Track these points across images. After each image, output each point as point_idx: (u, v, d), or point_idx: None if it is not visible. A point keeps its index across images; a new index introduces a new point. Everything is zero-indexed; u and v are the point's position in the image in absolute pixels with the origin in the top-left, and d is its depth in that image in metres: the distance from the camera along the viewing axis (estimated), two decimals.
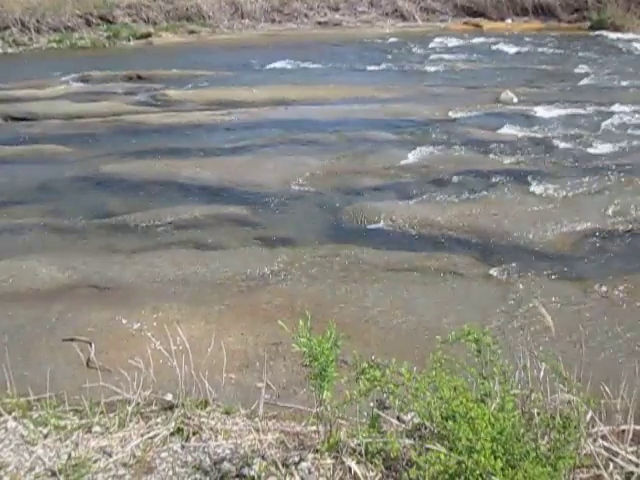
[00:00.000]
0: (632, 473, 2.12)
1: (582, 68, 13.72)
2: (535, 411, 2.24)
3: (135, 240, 5.78)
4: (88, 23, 20.00)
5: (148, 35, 19.59)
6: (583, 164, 7.59)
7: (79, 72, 13.88)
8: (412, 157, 7.96)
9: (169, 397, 2.90)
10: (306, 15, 22.69)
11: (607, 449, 2.20)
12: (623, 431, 2.27)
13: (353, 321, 4.24)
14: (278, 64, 15.42)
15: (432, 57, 15.84)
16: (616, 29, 19.05)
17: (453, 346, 2.34)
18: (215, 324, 4.21)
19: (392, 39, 18.99)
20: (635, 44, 16.84)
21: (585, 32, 19.61)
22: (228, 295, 4.66)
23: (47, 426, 2.65)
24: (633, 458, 2.16)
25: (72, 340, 3.98)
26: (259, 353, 3.85)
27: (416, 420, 2.20)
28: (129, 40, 19.23)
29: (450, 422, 2.01)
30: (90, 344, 3.94)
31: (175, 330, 3.39)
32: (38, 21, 19.35)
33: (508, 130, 9.14)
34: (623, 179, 6.99)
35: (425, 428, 2.15)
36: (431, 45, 17.79)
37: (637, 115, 9.69)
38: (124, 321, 4.23)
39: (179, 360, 2.80)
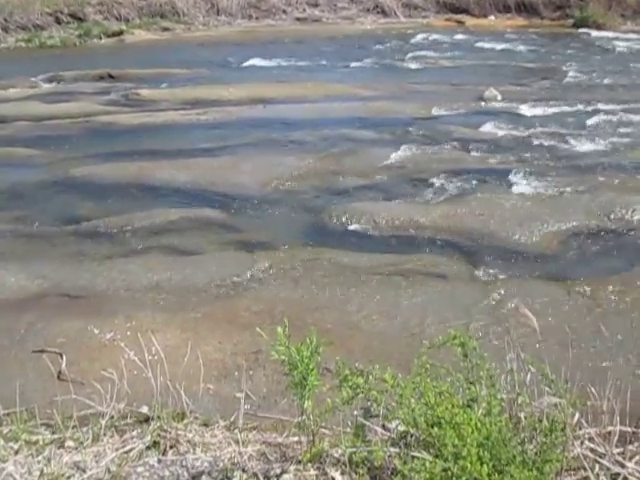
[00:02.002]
0: (618, 474, 2.15)
1: (566, 66, 13.95)
2: (522, 415, 2.26)
3: (107, 246, 5.72)
4: (58, 21, 19.78)
5: (120, 33, 19.43)
6: (568, 162, 7.71)
7: (49, 72, 13.71)
8: (394, 156, 8.01)
9: (144, 409, 2.88)
10: (284, 11, 22.72)
11: (593, 451, 2.24)
12: (609, 433, 2.30)
13: (335, 327, 4.24)
14: (256, 62, 15.41)
15: (414, 54, 15.97)
16: (598, 27, 19.41)
17: (439, 351, 2.35)
18: (191, 332, 4.18)
19: (373, 36, 19.11)
20: (617, 42, 17.18)
21: (568, 30, 19.95)
22: (205, 302, 4.64)
23: (18, 442, 2.61)
24: (619, 459, 2.20)
25: (42, 351, 3.92)
26: (238, 362, 3.83)
27: (401, 428, 2.21)
28: (100, 38, 19.06)
29: (436, 429, 2.03)
30: (61, 355, 3.89)
31: (150, 339, 3.36)
32: (6, 20, 19.07)
33: (492, 128, 9.24)
34: (608, 178, 7.12)
35: (411, 436, 2.16)
36: (413, 42, 17.94)
37: (621, 113, 9.88)
38: (96, 331, 4.19)
39: (154, 371, 2.78)
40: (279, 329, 2.16)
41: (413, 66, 14.58)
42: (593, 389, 2.44)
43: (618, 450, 2.25)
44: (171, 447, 2.53)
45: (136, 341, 3.44)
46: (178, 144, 8.77)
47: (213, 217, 6.34)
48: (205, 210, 6.49)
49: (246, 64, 15.23)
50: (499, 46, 16.95)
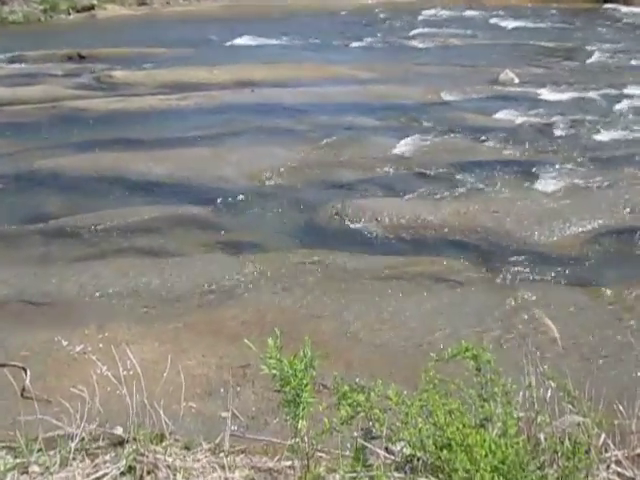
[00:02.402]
0: None
1: (590, 45, 14.01)
2: (542, 436, 2.27)
3: (77, 247, 5.71)
4: None
5: (91, 7, 19.43)
6: (593, 154, 7.74)
7: (11, 52, 13.70)
8: (399, 147, 8.03)
9: (119, 431, 2.87)
10: None
11: (621, 475, 2.25)
12: (638, 455, 2.31)
13: (333, 338, 4.25)
14: (242, 40, 15.43)
15: (422, 31, 16.02)
16: (627, 2, 19.50)
17: (449, 364, 2.36)
18: (171, 345, 4.18)
19: (376, 11, 19.15)
20: None
21: (593, 5, 20.04)
22: (187, 311, 4.64)
23: None
24: None
25: (3, 366, 3.91)
26: (224, 378, 3.83)
27: (407, 450, 2.22)
28: (69, 13, 19.05)
29: (445, 451, 2.03)
30: (25, 370, 3.88)
31: (125, 352, 3.36)
32: None
33: (508, 115, 9.28)
34: (637, 171, 7.15)
35: (417, 459, 2.16)
36: (420, 18, 18.00)
37: None
38: (64, 343, 4.18)
39: (130, 387, 2.78)
40: (270, 340, 2.17)
41: (420, 45, 14.62)
42: (621, 407, 2.46)
43: None
44: (148, 473, 2.53)
45: (109, 354, 3.44)
46: (156, 133, 8.77)
47: (195, 215, 6.35)
48: (186, 207, 6.49)
49: (232, 43, 15.24)
50: (516, 23, 17.02)
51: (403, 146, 8.05)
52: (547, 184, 6.88)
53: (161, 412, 2.77)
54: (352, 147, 8.02)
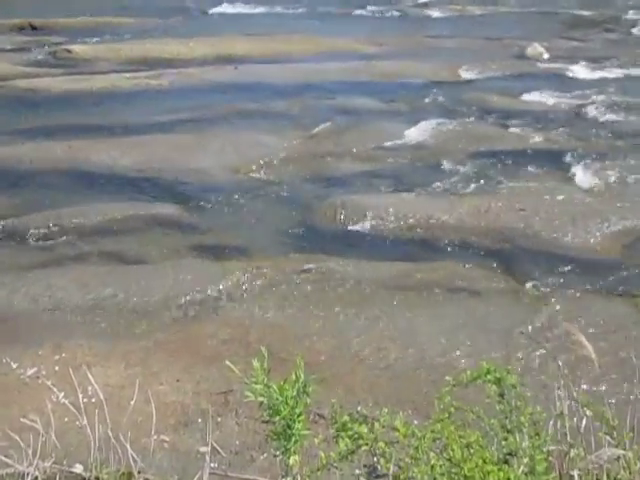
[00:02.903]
0: None
1: (633, 13, 14.07)
2: (575, 472, 2.28)
3: (27, 254, 5.70)
4: None
5: None
6: (634, 142, 7.77)
7: None
8: (409, 134, 8.05)
9: (78, 469, 2.88)
10: None
11: None
12: None
13: (331, 359, 4.25)
14: (223, 8, 15.48)
15: None
16: None
17: (467, 390, 2.37)
18: (140, 367, 4.18)
19: None
20: None
21: None
22: (158, 327, 4.64)
23: None
24: None
25: None
26: (202, 406, 3.83)
27: None
28: None
29: None
30: None
31: (85, 376, 3.36)
32: None
33: (537, 96, 9.32)
34: None
35: None
36: None
37: None
38: (14, 365, 4.17)
39: (91, 417, 2.78)
40: (256, 362, 2.18)
41: (434, 14, 14.69)
42: None
43: None
44: None
45: (67, 378, 3.44)
46: (122, 117, 8.77)
47: (169, 214, 6.35)
48: (158, 205, 6.49)
49: (211, 11, 15.27)
50: None
51: (413, 133, 8.07)
52: (583, 177, 6.91)
53: (128, 447, 2.78)
54: (353, 134, 8.04)
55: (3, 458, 2.85)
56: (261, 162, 7.36)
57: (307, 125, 8.39)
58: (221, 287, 5.10)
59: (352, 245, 5.80)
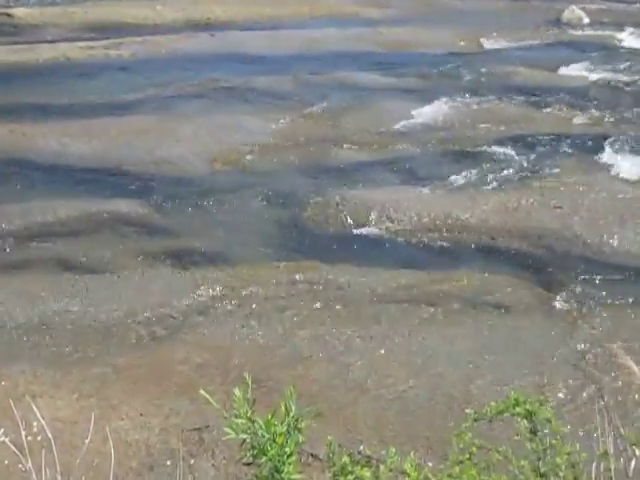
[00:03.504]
0: None
1: None
2: None
3: None
4: None
5: None
6: None
7: None
8: (422, 115, 8.07)
9: None
10: None
11: None
12: None
13: (328, 388, 4.26)
14: None
15: None
16: None
17: (492, 425, 2.38)
18: (97, 398, 4.17)
19: None
20: None
21: None
22: (118, 349, 4.63)
23: None
24: None
25: None
26: (171, 445, 3.83)
27: None
28: None
29: None
30: None
31: (30, 409, 3.35)
32: None
33: (576, 70, 9.34)
34: None
35: None
36: None
37: None
38: None
39: (37, 459, 2.78)
40: (237, 391, 2.18)
41: None
42: None
43: None
44: None
45: (7, 412, 3.44)
46: (75, 96, 8.75)
47: (130, 213, 6.34)
48: (117, 202, 6.48)
49: None
50: None
51: (427, 114, 8.09)
52: (631, 168, 6.93)
53: None
54: (354, 116, 8.05)
55: None
56: (243, 150, 7.36)
57: (299, 105, 8.40)
58: (195, 301, 5.11)
59: (353, 251, 5.82)
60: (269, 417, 2.18)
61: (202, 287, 5.25)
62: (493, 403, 2.40)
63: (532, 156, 7.16)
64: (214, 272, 5.47)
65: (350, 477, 2.26)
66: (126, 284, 5.34)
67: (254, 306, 5.06)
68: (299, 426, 2.22)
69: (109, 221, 6.25)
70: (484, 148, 7.30)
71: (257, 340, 4.72)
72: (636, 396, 3.88)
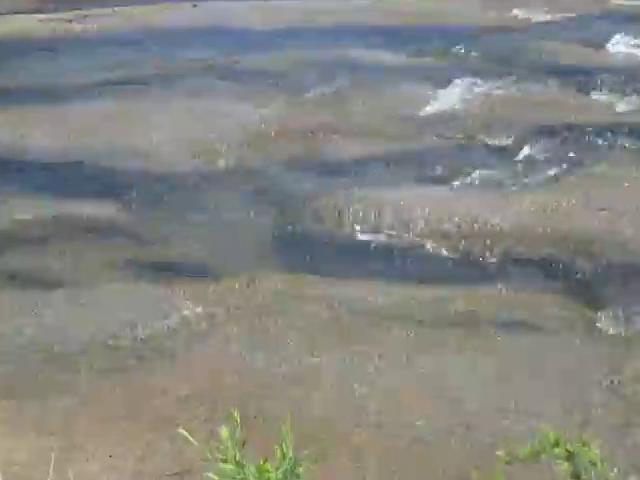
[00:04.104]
0: None
1: None
2: None
3: None
4: None
5: None
6: None
7: None
8: (442, 100, 8.08)
9: None
10: None
11: None
12: None
13: (331, 422, 4.24)
14: None
15: None
16: None
17: (526, 468, 2.40)
18: (58, 436, 4.16)
19: None
20: None
21: None
22: (85, 378, 4.62)
23: None
24: None
25: None
26: None
27: None
28: None
29: None
30: None
31: None
32: None
33: (627, 47, 9.32)
34: None
35: None
36: None
37: None
38: None
39: None
40: (223, 430, 2.20)
41: None
42: None
43: None
44: None
45: None
46: (32, 77, 8.74)
47: (97, 217, 6.35)
48: (81, 203, 6.49)
49: None
50: None
51: (449, 99, 8.09)
52: None
53: None
54: (362, 101, 8.07)
55: None
56: (230, 141, 7.36)
57: (296, 88, 8.40)
58: (175, 321, 5.11)
59: (360, 262, 5.83)
60: (262, 461, 2.21)
61: (183, 304, 5.26)
62: (528, 442, 2.42)
63: (573, 149, 7.16)
64: (197, 286, 5.47)
65: None
66: (93, 301, 5.34)
67: (245, 326, 5.07)
68: (297, 471, 2.25)
69: (73, 225, 6.26)
70: (516, 139, 7.29)
71: (249, 366, 4.71)
72: None
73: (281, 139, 7.44)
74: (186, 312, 5.20)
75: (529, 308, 5.25)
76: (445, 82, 8.40)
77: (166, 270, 5.73)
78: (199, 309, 5.22)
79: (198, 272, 5.70)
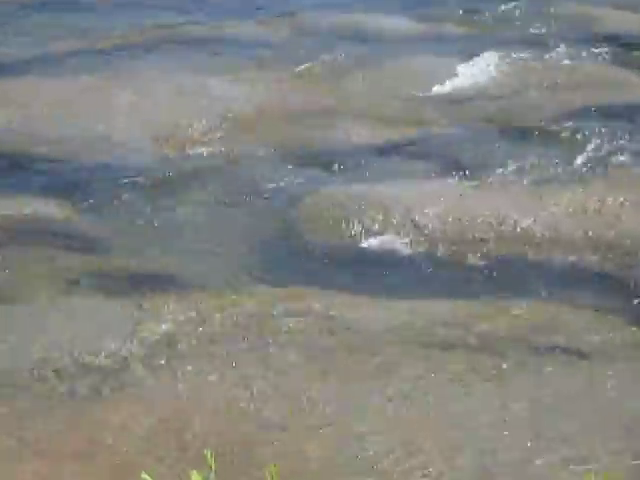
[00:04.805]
0: None
1: None
2: None
3: None
4: None
5: None
6: None
7: None
8: (465, 76, 8.12)
9: None
10: None
11: None
12: None
13: (327, 469, 4.25)
14: None
15: None
16: None
17: None
18: None
19: None
20: None
21: None
22: (27, 410, 4.64)
23: None
24: None
25: None
26: None
27: None
28: None
29: None
30: None
31: None
32: None
33: None
34: None
35: None
36: None
37: None
38: None
39: None
40: (195, 475, 2.23)
41: None
42: None
43: None
44: None
45: None
46: None
47: (47, 217, 6.39)
48: (29, 201, 6.54)
49: None
50: None
51: (473, 75, 8.14)
52: None
53: None
54: (369, 76, 8.13)
55: None
56: (206, 125, 7.40)
57: (290, 60, 8.43)
58: (138, 343, 5.13)
59: (363, 272, 5.87)
60: None
61: (149, 322, 5.29)
62: None
63: (621, 136, 7.20)
64: (166, 301, 5.50)
65: None
66: (41, 318, 5.38)
67: (222, 350, 5.09)
68: None
69: (18, 228, 6.31)
70: (553, 124, 7.35)
71: (227, 399, 4.73)
72: None
73: (270, 122, 7.47)
74: (151, 332, 5.21)
75: (569, 328, 5.28)
76: (469, 55, 8.45)
77: (129, 282, 5.75)
78: (167, 329, 5.24)
79: (167, 285, 5.72)
